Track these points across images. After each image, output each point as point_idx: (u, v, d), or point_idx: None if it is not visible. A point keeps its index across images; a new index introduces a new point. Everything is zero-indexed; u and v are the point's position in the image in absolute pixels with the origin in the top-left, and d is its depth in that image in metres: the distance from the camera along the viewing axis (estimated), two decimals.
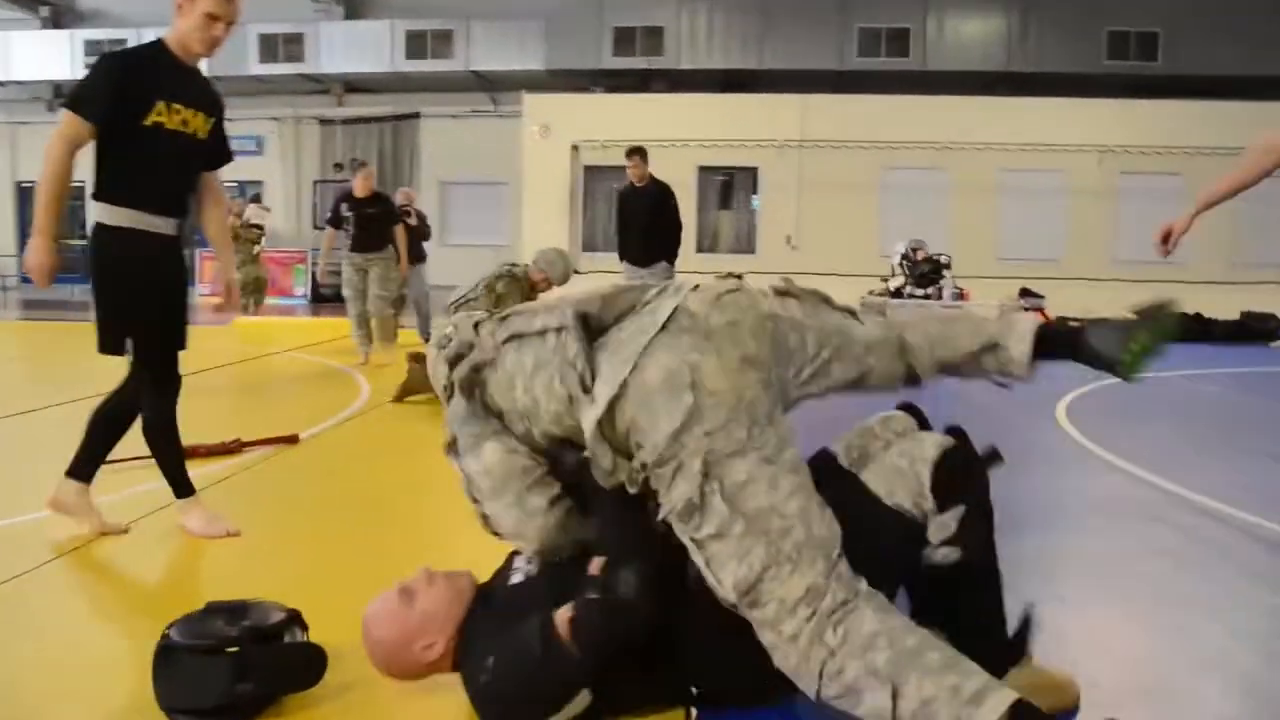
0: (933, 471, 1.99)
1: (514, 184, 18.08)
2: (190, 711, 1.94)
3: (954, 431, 2.11)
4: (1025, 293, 12.61)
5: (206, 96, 3.33)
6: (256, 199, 17.09)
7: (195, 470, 4.20)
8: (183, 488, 3.41)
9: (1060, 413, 6.05)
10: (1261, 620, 2.68)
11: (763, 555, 1.74)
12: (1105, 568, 3.10)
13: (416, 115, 18.80)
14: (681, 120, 16.44)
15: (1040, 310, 11.94)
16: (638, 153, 8.06)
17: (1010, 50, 16.89)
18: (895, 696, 1.65)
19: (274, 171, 19.65)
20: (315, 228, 19.16)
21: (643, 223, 8.08)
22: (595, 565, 1.90)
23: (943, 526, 1.99)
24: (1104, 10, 16.46)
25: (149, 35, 15.81)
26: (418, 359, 6.11)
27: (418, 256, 9.88)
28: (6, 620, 2.59)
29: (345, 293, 8.39)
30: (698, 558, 1.79)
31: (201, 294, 17.07)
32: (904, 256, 13.50)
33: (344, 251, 8.40)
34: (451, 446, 2.13)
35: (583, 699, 1.84)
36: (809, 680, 1.73)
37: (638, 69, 17.69)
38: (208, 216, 3.54)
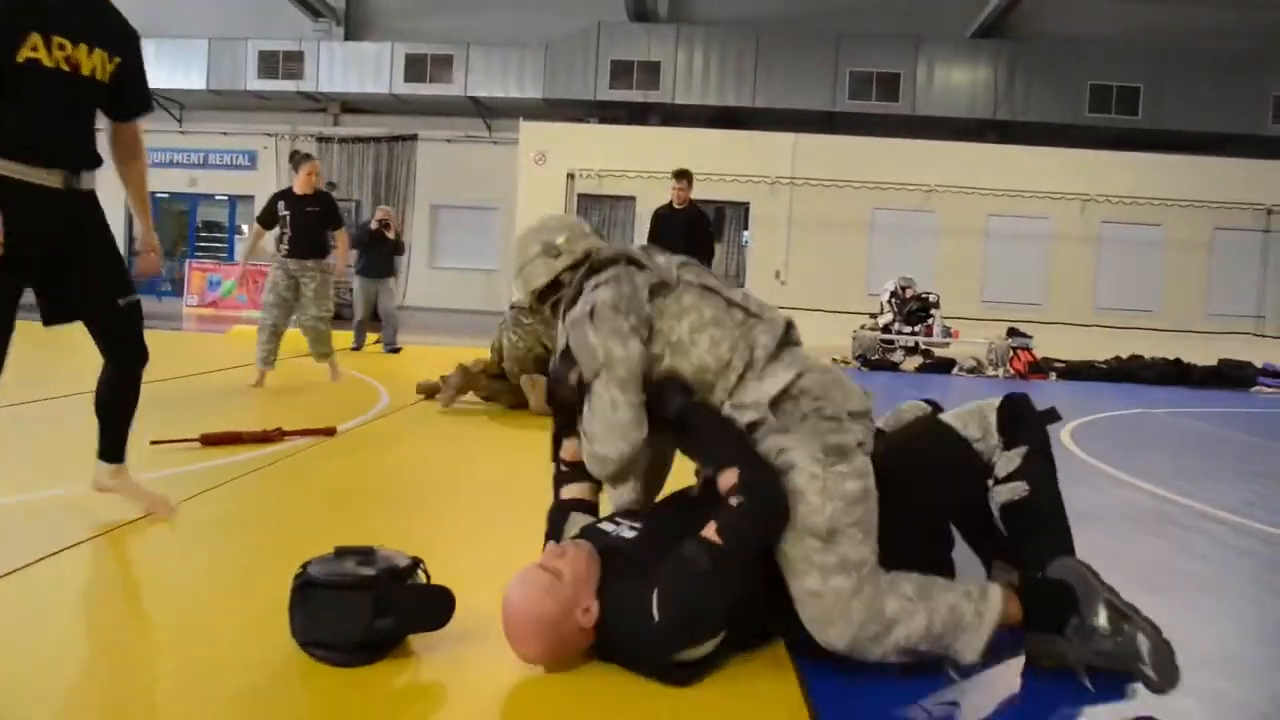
0: (997, 413, 2.29)
1: (505, 209, 18.26)
2: (330, 645, 2.02)
3: (1017, 396, 2.36)
4: (1013, 332, 12.86)
5: (107, 30, 2.80)
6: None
7: (239, 456, 4.30)
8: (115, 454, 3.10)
9: (1065, 437, 6.23)
10: None
11: (851, 515, 2.05)
12: (1145, 565, 3.24)
13: (414, 137, 18.96)
14: (675, 153, 16.57)
15: (1028, 350, 12.25)
16: (685, 176, 8.26)
17: (997, 99, 17.39)
18: (929, 613, 2.01)
19: (267, 187, 19.65)
20: None
21: (676, 243, 8.20)
22: (727, 479, 2.04)
23: (1008, 461, 2.24)
24: (1087, 65, 17.02)
25: (146, 45, 15.50)
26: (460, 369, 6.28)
27: (388, 271, 10.55)
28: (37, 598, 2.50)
29: (266, 299, 7.00)
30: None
31: (189, 304, 17.07)
32: (893, 294, 13.72)
33: (276, 255, 7.09)
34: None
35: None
36: (844, 626, 2.00)
37: (633, 102, 18.00)
38: (122, 174, 3.06)
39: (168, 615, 2.40)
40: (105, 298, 2.92)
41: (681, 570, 1.95)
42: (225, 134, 19.58)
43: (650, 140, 17.15)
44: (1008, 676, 2.15)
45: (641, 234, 13.42)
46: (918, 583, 2.06)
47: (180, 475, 3.84)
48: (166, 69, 18.54)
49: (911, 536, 2.21)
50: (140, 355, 3.04)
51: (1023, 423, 2.28)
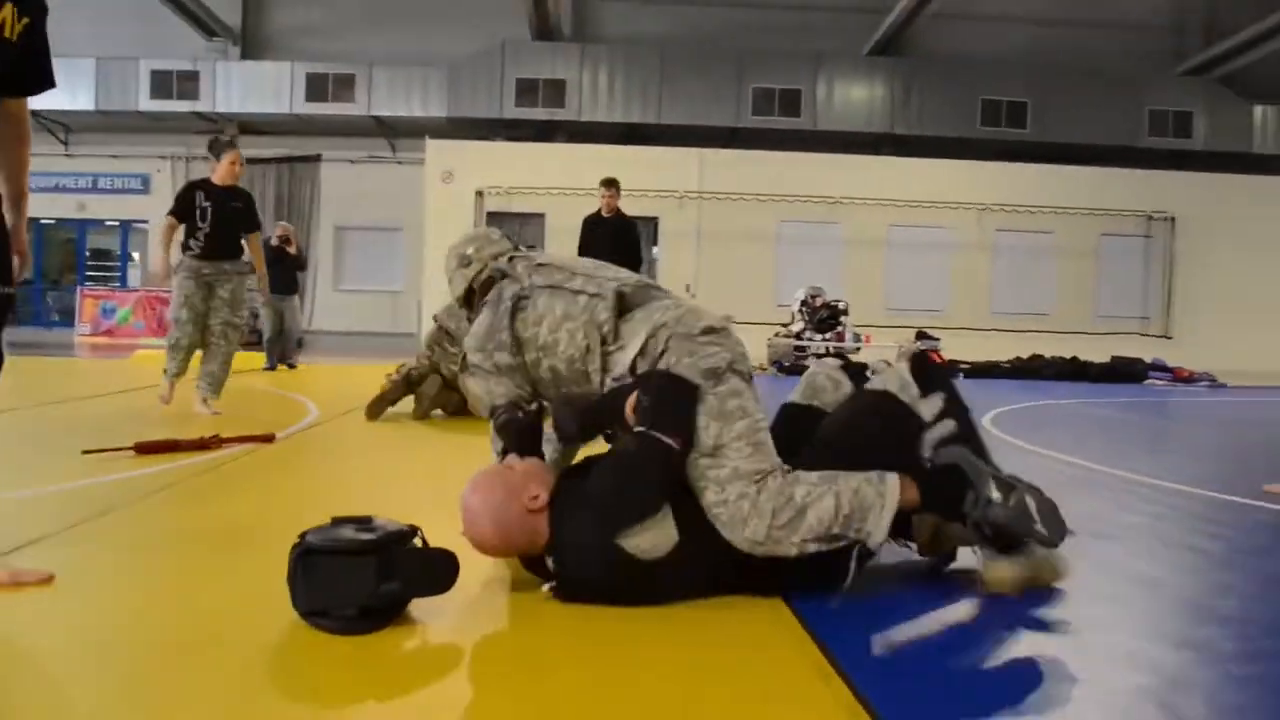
0: (910, 368, 2.53)
1: (410, 230, 18.06)
2: (334, 613, 1.97)
3: (917, 354, 2.64)
4: (921, 335, 13.29)
5: None
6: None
7: (177, 463, 4.16)
8: None
9: (986, 423, 6.46)
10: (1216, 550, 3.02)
11: (733, 431, 2.24)
12: (1089, 519, 3.40)
13: (318, 158, 18.62)
14: (583, 170, 16.71)
15: (937, 352, 12.65)
16: (613, 184, 8.30)
17: (893, 114, 17.99)
18: (836, 494, 2.20)
19: (161, 210, 18.99)
20: None
21: (604, 250, 8.21)
22: (630, 403, 2.24)
23: (930, 405, 2.47)
24: (978, 81, 17.77)
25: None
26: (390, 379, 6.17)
27: (292, 288, 10.54)
28: None
29: (178, 314, 5.98)
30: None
31: (82, 334, 16.37)
32: (803, 303, 14.03)
33: (185, 260, 5.98)
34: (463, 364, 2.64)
35: (668, 522, 2.17)
36: (757, 522, 2.16)
37: (539, 120, 18.03)
38: (5, 159, 2.49)
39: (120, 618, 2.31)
40: None
41: (610, 462, 2.23)
42: (115, 157, 18.86)
43: (558, 157, 17.19)
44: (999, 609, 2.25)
45: (552, 249, 13.44)
46: (820, 473, 2.25)
47: (115, 482, 3.70)
48: (52, 90, 17.79)
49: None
50: None
51: (932, 374, 2.53)
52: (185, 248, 5.99)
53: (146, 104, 17.98)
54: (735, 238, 17.05)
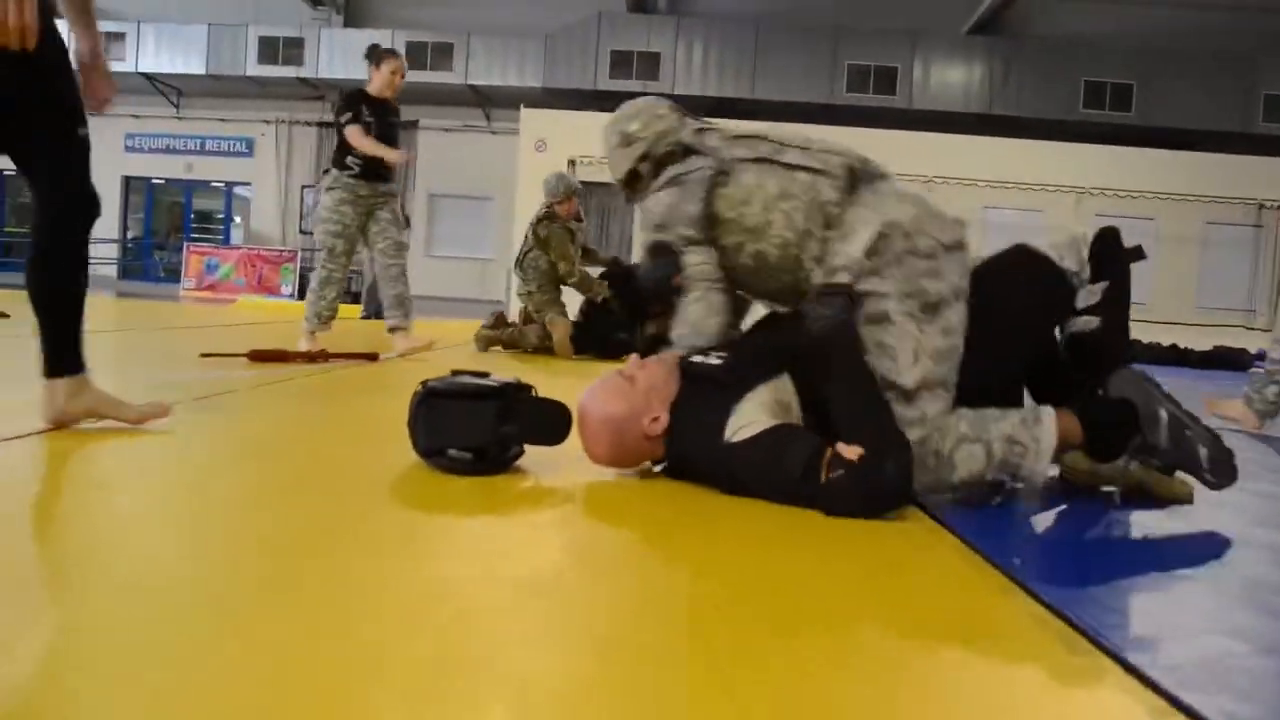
0: (1090, 246, 2.25)
1: (500, 199, 18.30)
2: (453, 453, 2.06)
3: (1108, 229, 2.32)
4: None
5: None
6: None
7: (289, 371, 4.35)
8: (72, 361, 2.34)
9: None
10: None
11: (937, 374, 2.06)
12: None
13: (415, 124, 18.97)
14: None
15: None
16: None
17: (992, 94, 17.59)
18: (987, 444, 2.03)
19: (264, 174, 19.67)
20: (302, 232, 19.17)
21: None
22: (851, 451, 1.89)
23: (1090, 294, 2.21)
24: (1081, 62, 17.26)
25: (146, 30, 15.29)
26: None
27: None
28: None
29: (331, 244, 5.32)
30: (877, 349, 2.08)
31: (186, 288, 17.01)
32: None
33: (342, 178, 5.30)
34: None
35: None
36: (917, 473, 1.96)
37: (633, 92, 17.95)
38: None
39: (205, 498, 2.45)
40: (62, 127, 2.27)
41: (776, 458, 1.92)
42: (223, 120, 19.52)
43: None
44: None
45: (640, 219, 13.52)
46: (971, 419, 2.06)
47: (231, 378, 3.88)
48: (166, 54, 18.50)
49: (995, 377, 2.19)
50: (91, 203, 2.32)
51: (1110, 259, 2.25)
52: (342, 165, 5.30)
53: (254, 69, 18.54)
54: None
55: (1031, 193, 16.58)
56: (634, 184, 2.53)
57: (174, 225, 21.64)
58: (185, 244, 18.20)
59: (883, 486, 1.85)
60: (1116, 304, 2.22)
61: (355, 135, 5.19)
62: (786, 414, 2.04)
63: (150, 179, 20.24)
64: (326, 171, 5.44)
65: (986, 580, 1.55)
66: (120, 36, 18.42)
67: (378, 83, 5.41)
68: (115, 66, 18.60)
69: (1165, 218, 16.66)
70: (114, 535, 1.54)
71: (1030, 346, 2.29)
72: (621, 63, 17.94)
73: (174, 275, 18.54)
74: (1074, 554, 1.83)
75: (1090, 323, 2.19)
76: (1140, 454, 2.13)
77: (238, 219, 21.05)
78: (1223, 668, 1.21)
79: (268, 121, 19.52)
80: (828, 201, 2.17)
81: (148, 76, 18.77)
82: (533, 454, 2.22)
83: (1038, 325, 2.30)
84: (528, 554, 1.57)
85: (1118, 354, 2.27)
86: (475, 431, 2.06)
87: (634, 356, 2.24)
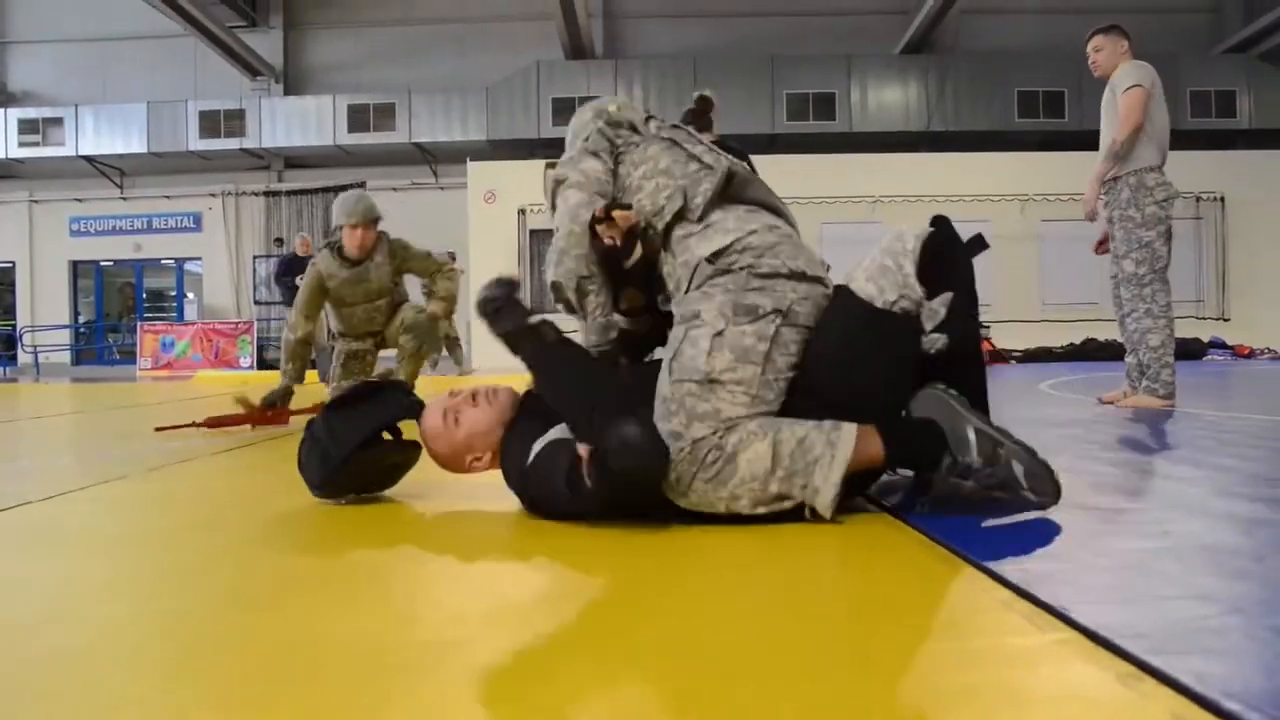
0: (917, 260, 2.05)
1: (455, 251, 18.31)
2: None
3: (937, 220, 2.15)
4: None
5: None
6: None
7: (249, 436, 4.27)
8: None
9: (1044, 389, 6.41)
10: None
11: (738, 373, 2.00)
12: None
13: (362, 185, 18.99)
14: None
15: (988, 340, 12.55)
16: None
17: (929, 111, 17.93)
18: (775, 443, 1.92)
19: (214, 247, 19.55)
20: (256, 302, 19.04)
21: None
22: (584, 451, 1.96)
23: (933, 314, 2.03)
24: (1013, 73, 17.69)
25: (84, 113, 15.32)
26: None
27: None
28: None
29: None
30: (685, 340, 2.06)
31: (143, 368, 16.77)
32: None
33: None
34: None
35: None
36: (685, 468, 1.93)
37: None
38: None
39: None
40: None
41: (546, 477, 2.04)
42: (168, 197, 19.40)
43: None
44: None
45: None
46: (764, 420, 1.98)
47: (187, 445, 3.81)
48: (106, 135, 18.43)
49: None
50: None
51: (947, 264, 2.08)
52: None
53: (196, 143, 18.51)
54: None
55: (977, 203, 16.84)
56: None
57: (126, 306, 21.41)
58: (139, 324, 17.94)
59: (624, 458, 1.81)
60: (963, 313, 2.06)
61: None
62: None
63: (98, 261, 20.00)
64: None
65: (954, 571, 1.55)
66: (59, 121, 18.34)
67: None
68: (55, 151, 18.54)
69: None
70: (52, 602, 1.49)
71: (882, 392, 2.10)
72: (564, 109, 18.07)
73: (129, 356, 18.26)
74: (1037, 538, 1.83)
75: (936, 341, 2.04)
76: (955, 476, 1.98)
77: (190, 295, 20.85)
78: (1191, 629, 1.20)
79: (214, 194, 19.43)
80: (700, 193, 2.18)
81: (89, 159, 18.66)
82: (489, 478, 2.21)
83: (878, 376, 2.09)
84: (493, 589, 1.53)
85: (976, 361, 2.15)
86: (376, 414, 2.32)
87: (473, 389, 2.31)
